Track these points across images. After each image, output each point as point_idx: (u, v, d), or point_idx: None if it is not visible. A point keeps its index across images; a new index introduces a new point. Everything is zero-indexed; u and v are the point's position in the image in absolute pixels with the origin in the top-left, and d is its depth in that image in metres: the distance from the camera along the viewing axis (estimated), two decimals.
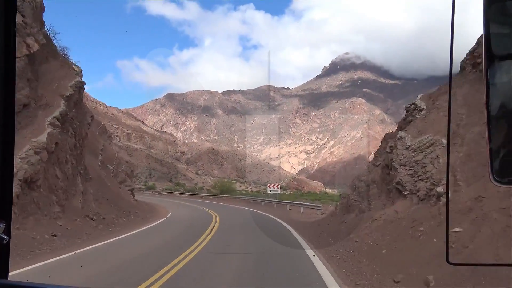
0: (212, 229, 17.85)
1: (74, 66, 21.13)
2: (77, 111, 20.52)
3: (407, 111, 16.66)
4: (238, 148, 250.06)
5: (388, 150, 14.78)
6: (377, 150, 18.39)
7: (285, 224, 21.34)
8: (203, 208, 33.98)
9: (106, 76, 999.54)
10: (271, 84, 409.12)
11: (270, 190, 39.53)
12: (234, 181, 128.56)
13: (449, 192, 10.10)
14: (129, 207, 24.41)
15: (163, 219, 23.52)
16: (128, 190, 29.24)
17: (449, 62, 1.27)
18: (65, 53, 22.05)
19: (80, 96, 21.78)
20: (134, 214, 23.26)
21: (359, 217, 15.33)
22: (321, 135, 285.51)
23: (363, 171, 20.95)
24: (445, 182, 10.83)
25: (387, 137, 17.76)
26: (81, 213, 17.28)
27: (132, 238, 15.67)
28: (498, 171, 1.13)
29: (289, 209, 32.11)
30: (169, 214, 26.82)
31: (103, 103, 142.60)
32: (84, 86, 21.65)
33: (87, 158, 22.56)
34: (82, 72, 21.15)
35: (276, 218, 24.81)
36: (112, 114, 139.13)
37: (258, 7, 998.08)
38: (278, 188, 40.14)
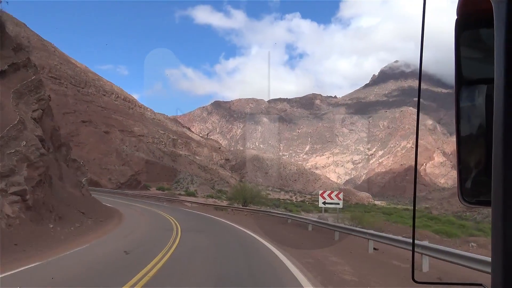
0: None
1: None
2: None
3: None
4: (283, 157, 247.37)
5: None
6: None
7: None
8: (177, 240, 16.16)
9: (156, 84, 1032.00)
10: (317, 93, 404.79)
11: (325, 202, 22.25)
12: (278, 190, 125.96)
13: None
14: None
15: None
16: (12, 193, 14.17)
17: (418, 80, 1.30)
18: None
19: None
20: None
21: None
22: (369, 145, 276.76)
23: None
24: None
25: None
26: None
27: None
28: (467, 191, 1.15)
29: (375, 249, 15.29)
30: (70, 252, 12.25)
31: (150, 109, 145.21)
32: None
33: None
34: None
35: None
36: (159, 120, 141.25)
37: (304, 16, 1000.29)
38: (339, 198, 22.34)
